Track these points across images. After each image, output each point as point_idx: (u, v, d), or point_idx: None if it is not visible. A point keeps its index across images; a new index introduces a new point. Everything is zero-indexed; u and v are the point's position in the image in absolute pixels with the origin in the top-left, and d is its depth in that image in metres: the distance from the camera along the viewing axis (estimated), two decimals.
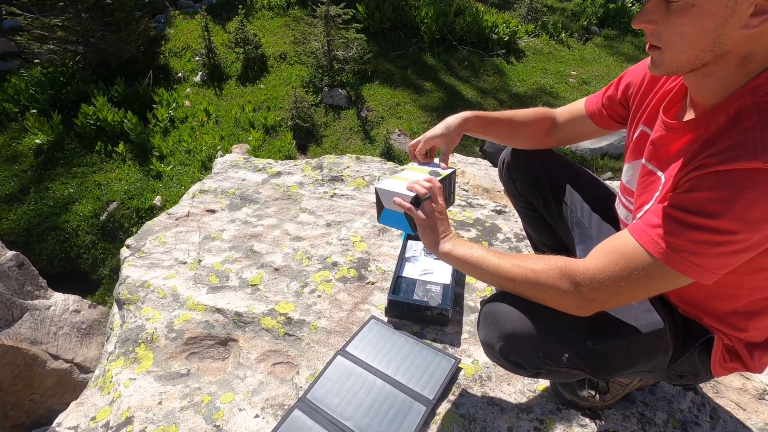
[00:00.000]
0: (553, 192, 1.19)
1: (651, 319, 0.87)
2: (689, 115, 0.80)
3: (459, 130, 1.11)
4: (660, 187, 0.80)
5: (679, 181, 0.71)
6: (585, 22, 7.84)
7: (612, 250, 0.76)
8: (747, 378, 1.29)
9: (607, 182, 1.27)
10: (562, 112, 1.16)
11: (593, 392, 1.12)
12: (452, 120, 1.12)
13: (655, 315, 0.87)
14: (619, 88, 1.01)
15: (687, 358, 0.89)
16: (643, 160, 0.87)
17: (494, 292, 0.92)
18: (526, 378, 1.20)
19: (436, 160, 1.16)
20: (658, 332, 0.86)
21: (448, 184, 1.08)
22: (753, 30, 0.62)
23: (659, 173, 0.82)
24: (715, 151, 0.66)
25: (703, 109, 0.76)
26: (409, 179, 1.02)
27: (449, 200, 1.10)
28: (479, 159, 2.72)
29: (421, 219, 0.95)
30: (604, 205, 1.12)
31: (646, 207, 0.84)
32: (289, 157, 4.84)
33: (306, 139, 5.26)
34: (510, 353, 0.86)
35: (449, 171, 1.10)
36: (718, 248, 0.66)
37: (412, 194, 0.96)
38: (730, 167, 0.63)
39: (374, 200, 1.96)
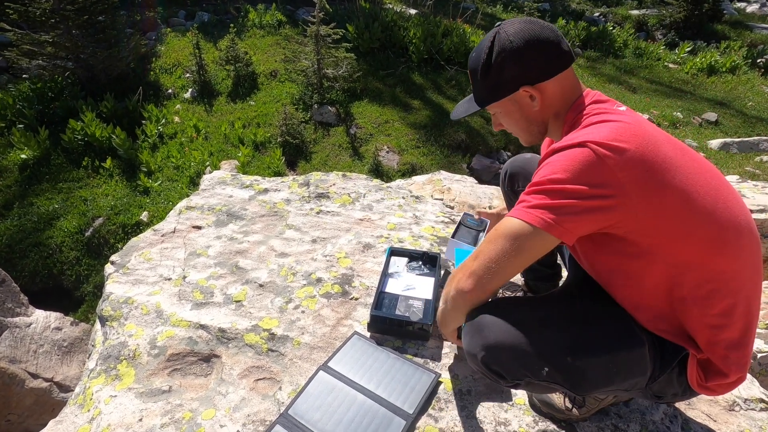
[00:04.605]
0: None
1: (631, 338, 0.90)
2: None
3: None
4: None
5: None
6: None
7: (491, 233, 0.94)
8: None
9: None
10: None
11: (570, 405, 1.15)
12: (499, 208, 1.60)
13: (636, 335, 0.90)
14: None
15: (665, 378, 0.93)
16: None
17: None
18: (504, 392, 1.22)
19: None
20: (638, 352, 0.89)
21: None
22: (540, 105, 1.00)
23: None
24: (553, 149, 0.93)
25: None
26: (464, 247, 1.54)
27: None
28: (465, 176, 2.77)
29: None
30: None
31: None
32: (278, 173, 4.86)
33: (295, 156, 5.30)
34: (491, 363, 0.91)
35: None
36: (566, 200, 0.83)
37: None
38: (556, 146, 0.90)
39: (359, 217, 2.01)
